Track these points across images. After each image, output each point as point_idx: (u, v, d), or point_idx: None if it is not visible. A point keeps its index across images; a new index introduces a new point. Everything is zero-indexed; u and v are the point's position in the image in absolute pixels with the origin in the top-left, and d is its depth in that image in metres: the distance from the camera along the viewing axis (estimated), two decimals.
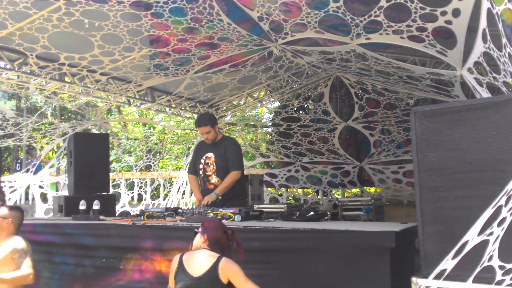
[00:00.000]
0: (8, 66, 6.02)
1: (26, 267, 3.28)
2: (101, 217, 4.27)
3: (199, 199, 5.07)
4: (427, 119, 2.82)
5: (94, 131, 12.54)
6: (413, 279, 2.84)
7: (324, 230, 3.26)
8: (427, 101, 7.43)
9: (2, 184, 6.56)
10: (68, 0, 4.56)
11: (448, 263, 2.31)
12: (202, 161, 5.28)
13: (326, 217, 4.21)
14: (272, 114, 11.74)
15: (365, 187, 9.73)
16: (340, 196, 9.63)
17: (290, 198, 10.85)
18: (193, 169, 5.51)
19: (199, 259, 2.76)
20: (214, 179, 5.15)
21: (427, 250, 2.81)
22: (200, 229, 2.89)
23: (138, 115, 13.90)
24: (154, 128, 15.50)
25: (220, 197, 4.82)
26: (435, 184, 2.79)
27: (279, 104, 9.99)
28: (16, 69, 6.08)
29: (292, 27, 4.90)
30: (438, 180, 2.78)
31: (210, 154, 5.24)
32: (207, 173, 5.20)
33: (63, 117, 16.42)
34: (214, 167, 5.15)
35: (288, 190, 10.42)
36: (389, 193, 9.12)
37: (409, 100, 7.64)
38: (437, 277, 2.31)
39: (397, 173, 8.67)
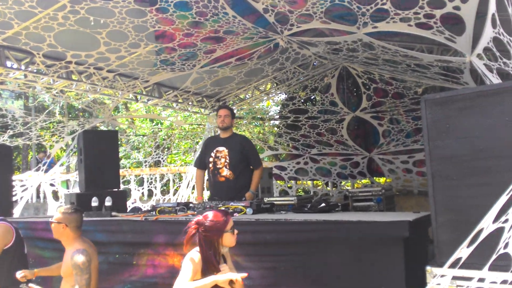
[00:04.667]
0: (15, 66, 6.04)
1: (79, 286, 3.18)
2: (113, 213, 4.29)
3: (200, 200, 5.25)
4: (438, 107, 2.79)
5: (102, 128, 12.62)
6: (428, 268, 2.83)
7: (337, 221, 3.25)
8: (436, 89, 7.36)
9: (14, 183, 6.62)
10: None
11: (463, 252, 2.29)
12: (213, 154, 5.35)
13: (337, 208, 4.20)
14: (279, 107, 11.71)
15: (375, 178, 9.70)
16: (350, 187, 9.59)
17: (299, 190, 10.83)
18: (200, 163, 5.64)
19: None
20: (225, 172, 5.24)
21: (440, 239, 2.79)
22: None
23: (145, 112, 13.92)
24: (161, 124, 15.54)
25: (256, 193, 5.23)
26: (447, 173, 2.76)
27: (286, 96, 9.96)
28: (23, 68, 6.10)
29: (298, 18, 4.87)
30: (451, 169, 2.75)
31: (222, 148, 5.34)
32: (218, 166, 5.28)
33: (70, 115, 16.51)
34: (227, 161, 5.26)
35: (298, 182, 10.41)
36: (399, 183, 9.08)
37: (417, 88, 7.58)
38: (452, 265, 2.30)
39: (407, 163, 8.62)
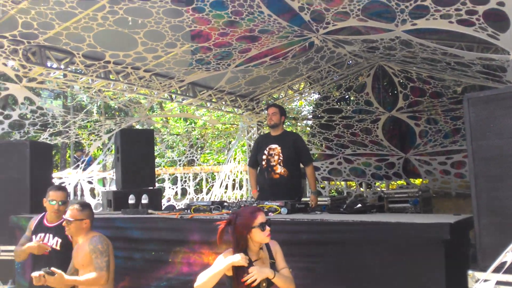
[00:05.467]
0: (55, 65, 6.20)
1: (100, 269, 3.31)
2: (149, 211, 4.34)
3: (255, 193, 5.37)
4: (482, 106, 2.71)
5: (138, 127, 12.83)
6: (470, 272, 2.75)
7: (374, 223, 3.18)
8: (475, 88, 7.16)
9: (53, 181, 6.80)
10: None
11: (508, 256, 2.21)
12: (266, 152, 5.38)
13: (373, 210, 4.13)
14: (312, 106, 11.63)
15: (410, 179, 9.49)
16: (384, 189, 9.42)
17: (332, 191, 10.72)
18: (253, 162, 5.68)
19: None
20: (279, 169, 5.27)
21: (483, 242, 2.70)
22: None
23: (179, 111, 14.08)
24: (195, 123, 15.69)
25: (317, 192, 5.24)
26: (491, 173, 2.68)
27: (319, 96, 9.88)
28: (63, 68, 6.25)
29: (334, 16, 4.81)
30: (495, 169, 2.66)
31: (275, 146, 5.37)
32: (271, 164, 5.32)
33: (107, 115, 16.87)
34: (281, 158, 5.28)
35: (331, 183, 10.30)
36: (436, 185, 8.86)
37: (456, 87, 7.38)
38: (496, 270, 2.21)
39: (444, 164, 8.40)
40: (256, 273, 2.60)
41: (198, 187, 11.73)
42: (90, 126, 9.19)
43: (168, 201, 9.48)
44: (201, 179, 11.21)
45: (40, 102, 6.89)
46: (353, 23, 4.87)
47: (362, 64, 8.00)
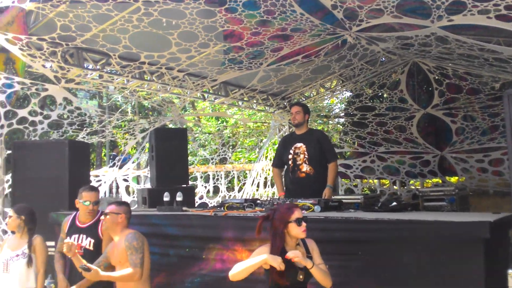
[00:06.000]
0: (91, 67, 6.36)
1: (134, 265, 3.36)
2: (183, 208, 4.41)
3: (282, 196, 5.24)
4: None
5: (170, 126, 13.02)
6: (510, 271, 2.68)
7: (412, 221, 3.13)
8: None
9: (90, 178, 6.98)
10: (146, 1, 4.74)
11: None
12: (291, 151, 5.35)
13: (409, 208, 4.06)
14: (344, 104, 11.54)
15: (446, 177, 9.29)
16: (419, 187, 9.25)
17: (365, 189, 10.61)
18: (278, 162, 5.64)
19: None
20: (305, 167, 5.24)
21: None
22: None
23: (211, 110, 14.21)
24: (226, 121, 15.79)
25: (333, 187, 5.20)
26: None
27: (351, 93, 9.79)
28: (100, 69, 6.42)
29: (367, 13, 4.77)
30: None
31: (300, 144, 5.34)
32: (298, 163, 5.29)
33: (140, 114, 17.18)
34: (306, 156, 5.25)
35: (363, 181, 10.19)
36: (473, 183, 8.64)
37: (494, 83, 7.17)
38: None
39: (482, 162, 8.19)
40: (300, 255, 2.65)
41: (230, 185, 11.82)
42: (125, 126, 9.39)
43: (201, 198, 9.58)
44: (233, 177, 11.28)
45: (77, 102, 7.09)
46: (387, 20, 4.82)
47: (396, 61, 7.88)
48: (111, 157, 12.30)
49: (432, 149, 8.73)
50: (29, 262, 4.16)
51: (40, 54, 5.48)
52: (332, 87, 9.10)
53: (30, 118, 5.97)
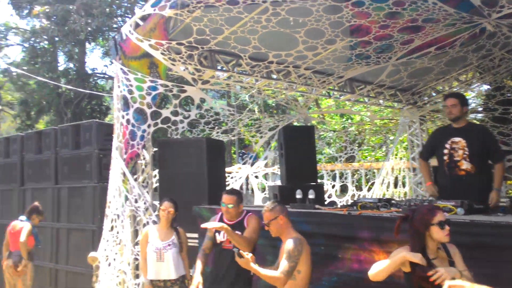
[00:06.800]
0: (223, 68, 6.67)
1: (282, 271, 3.27)
2: (316, 206, 4.41)
3: (430, 185, 4.91)
4: None
5: (295, 124, 13.14)
6: None
7: None
8: None
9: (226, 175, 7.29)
10: (274, 1, 4.84)
11: None
12: (447, 146, 4.82)
13: None
14: (481, 98, 10.58)
15: None
16: None
17: (510, 191, 9.61)
18: (427, 154, 5.21)
19: None
20: (465, 165, 4.70)
21: None
22: None
23: (336, 107, 14.00)
24: (351, 119, 15.48)
25: (499, 190, 4.65)
26: None
27: (490, 86, 8.94)
28: (231, 70, 6.70)
29: None
30: None
31: (458, 139, 4.79)
32: (455, 159, 4.76)
33: (265, 113, 17.63)
34: (466, 153, 4.71)
35: (507, 182, 9.24)
36: None
37: None
38: None
39: None
40: (444, 273, 2.48)
41: (357, 184, 11.56)
42: (252, 124, 9.68)
43: (329, 197, 9.51)
44: (360, 176, 11.01)
45: (213, 102, 7.48)
46: None
47: None
48: (240, 154, 12.78)
49: None
50: (180, 250, 4.60)
51: (179, 58, 5.88)
52: (467, 79, 8.40)
53: (172, 118, 6.45)
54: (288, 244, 3.36)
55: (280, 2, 4.88)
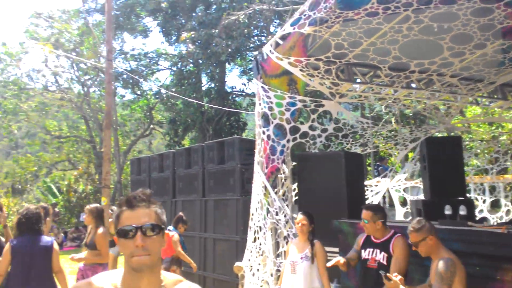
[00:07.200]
0: (360, 80, 6.59)
1: None
2: (469, 223, 4.09)
3: None
4: None
5: (437, 134, 12.39)
6: None
7: None
8: None
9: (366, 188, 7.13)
10: (416, 8, 4.67)
11: None
12: None
13: None
14: None
15: None
16: None
17: None
18: None
19: None
20: None
21: None
22: None
23: (484, 115, 12.84)
24: (502, 127, 14.06)
25: None
26: None
27: None
28: (368, 82, 6.60)
29: None
30: None
31: None
32: None
33: (402, 123, 16.89)
34: None
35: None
36: None
37: None
38: None
39: None
40: None
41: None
42: (388, 136, 9.31)
43: (480, 212, 8.72)
44: None
45: (351, 115, 7.43)
46: None
47: None
48: (376, 167, 12.42)
49: None
50: (312, 264, 4.56)
51: (317, 73, 5.96)
52: None
53: (311, 132, 6.55)
54: (440, 266, 3.20)
55: (423, 9, 4.69)
